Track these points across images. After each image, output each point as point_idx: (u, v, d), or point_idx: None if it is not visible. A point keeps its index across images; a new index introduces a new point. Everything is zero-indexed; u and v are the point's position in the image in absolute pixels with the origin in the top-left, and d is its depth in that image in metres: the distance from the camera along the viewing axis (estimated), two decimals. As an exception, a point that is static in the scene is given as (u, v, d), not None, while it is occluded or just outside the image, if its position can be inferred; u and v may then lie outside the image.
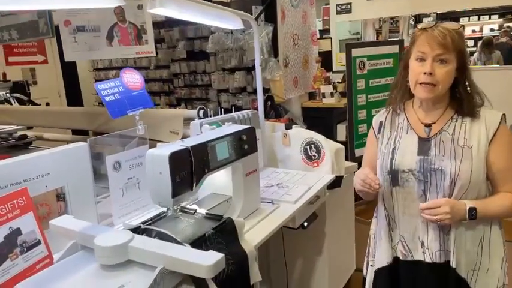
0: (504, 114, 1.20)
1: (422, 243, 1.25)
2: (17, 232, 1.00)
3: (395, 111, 1.34)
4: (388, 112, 1.37)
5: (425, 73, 1.15)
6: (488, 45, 6.15)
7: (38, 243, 1.04)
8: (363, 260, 1.50)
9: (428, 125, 1.25)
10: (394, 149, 1.29)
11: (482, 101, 1.22)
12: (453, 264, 1.20)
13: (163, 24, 4.50)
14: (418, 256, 1.27)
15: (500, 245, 1.25)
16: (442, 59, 1.15)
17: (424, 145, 1.24)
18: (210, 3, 1.66)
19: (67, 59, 2.00)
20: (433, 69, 1.15)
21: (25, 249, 1.01)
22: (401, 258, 1.31)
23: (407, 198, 1.26)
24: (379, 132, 1.37)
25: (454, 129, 1.21)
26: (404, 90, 1.29)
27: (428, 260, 1.24)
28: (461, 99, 1.21)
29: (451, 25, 1.17)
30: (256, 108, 2.08)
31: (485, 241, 1.23)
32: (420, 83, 1.18)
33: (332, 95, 3.67)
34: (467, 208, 1.15)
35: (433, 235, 1.22)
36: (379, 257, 1.36)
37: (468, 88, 1.21)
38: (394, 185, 1.28)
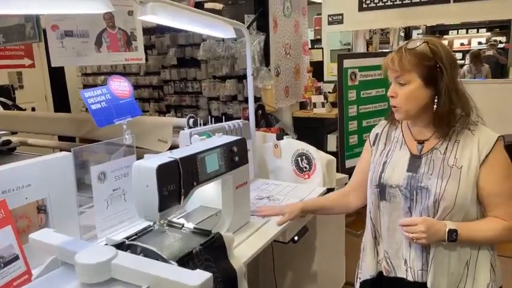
0: (501, 136, 1.17)
1: (406, 261, 1.22)
2: (-6, 247, 0.95)
3: (393, 125, 1.33)
4: (386, 124, 1.36)
5: (389, 96, 1.21)
6: (476, 57, 6.23)
7: (16, 258, 0.99)
8: (354, 274, 1.47)
9: (421, 142, 1.23)
10: (385, 162, 1.27)
11: (471, 117, 1.18)
12: (428, 284, 1.16)
13: (154, 31, 4.46)
14: (401, 273, 1.23)
15: (487, 270, 1.20)
16: (399, 82, 1.17)
17: (414, 162, 1.22)
18: (201, 11, 1.64)
19: (54, 64, 1.94)
20: (395, 91, 1.18)
21: (2, 264, 0.96)
22: (384, 273, 1.29)
23: (393, 214, 1.24)
24: (373, 144, 1.36)
25: (446, 148, 1.18)
26: None
27: (410, 278, 1.21)
28: (439, 116, 1.16)
29: (410, 44, 1.16)
30: (247, 117, 2.05)
31: (471, 264, 1.19)
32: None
33: (323, 105, 3.67)
34: (447, 229, 1.12)
35: (415, 253, 1.19)
36: (364, 269, 1.34)
37: (445, 106, 1.14)
38: (382, 199, 1.26)
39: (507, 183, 1.15)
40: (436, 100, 1.15)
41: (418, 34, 8.20)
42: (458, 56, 8.63)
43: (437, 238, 1.13)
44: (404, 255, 1.22)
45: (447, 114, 1.15)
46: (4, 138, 3.04)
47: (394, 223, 1.23)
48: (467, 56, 6.66)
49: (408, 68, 1.14)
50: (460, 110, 1.18)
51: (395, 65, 1.16)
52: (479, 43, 8.47)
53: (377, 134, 1.36)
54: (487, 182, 1.14)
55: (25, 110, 3.96)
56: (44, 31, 2.02)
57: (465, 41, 8.77)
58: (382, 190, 1.25)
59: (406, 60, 1.14)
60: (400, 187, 1.21)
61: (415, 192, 1.18)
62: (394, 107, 1.20)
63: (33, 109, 4.56)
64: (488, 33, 8.46)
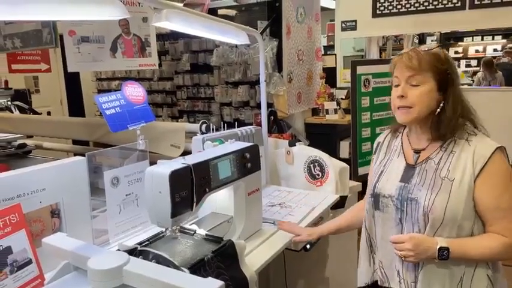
0: (500, 147, 1.11)
1: (398, 272, 1.19)
2: (8, 251, 0.96)
3: (395, 134, 1.31)
4: (388, 133, 1.34)
5: (398, 96, 1.15)
6: (488, 65, 6.14)
7: (29, 262, 1.00)
8: None
9: (417, 152, 1.21)
10: (381, 172, 1.26)
11: (474, 127, 1.16)
12: None
13: (168, 37, 4.51)
14: (394, 284, 1.21)
15: (483, 287, 1.14)
16: (413, 83, 1.13)
17: (408, 172, 1.19)
18: (215, 17, 1.64)
19: (70, 69, 1.98)
20: (405, 92, 1.14)
21: (15, 268, 0.97)
22: (379, 283, 1.27)
23: (386, 224, 1.22)
24: (375, 153, 1.36)
25: (441, 159, 1.15)
26: None
27: None
28: (440, 121, 1.14)
29: (424, 46, 1.16)
30: (259, 123, 2.04)
31: (466, 281, 1.13)
32: (397, 108, 1.17)
33: (336, 111, 3.65)
34: (437, 247, 1.07)
35: (408, 265, 1.16)
36: (359, 277, 1.34)
37: (449, 112, 1.13)
38: (376, 209, 1.25)
39: (505, 197, 1.08)
40: (442, 105, 1.14)
41: (432, 41, 8.13)
42: (473, 63, 8.52)
43: (428, 256, 1.09)
44: (397, 267, 1.19)
45: (448, 121, 1.13)
46: (20, 141, 3.09)
47: (387, 234, 1.21)
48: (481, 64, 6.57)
49: (425, 67, 1.12)
50: (462, 120, 1.16)
51: (414, 63, 1.12)
52: (495, 50, 8.35)
53: (379, 143, 1.36)
54: (484, 196, 1.09)
55: (41, 114, 4.02)
56: (61, 36, 2.06)
57: (480, 48, 8.66)
58: (376, 200, 1.24)
59: (424, 60, 1.12)
60: (392, 197, 1.19)
61: (405, 203, 1.15)
62: (404, 107, 1.15)
63: (48, 113, 4.63)
64: (504, 40, 8.34)
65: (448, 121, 1.13)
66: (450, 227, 1.10)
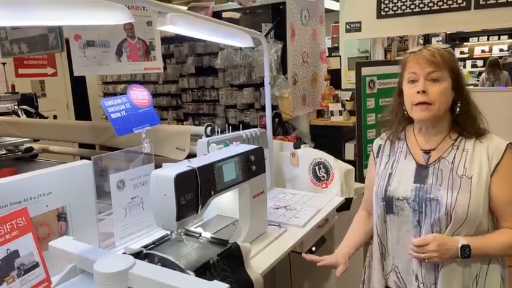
0: (511, 143, 1.13)
1: (417, 276, 1.18)
2: (15, 254, 0.97)
3: (396, 136, 1.29)
4: (388, 135, 1.32)
5: (418, 92, 1.13)
6: (494, 65, 6.09)
7: (36, 265, 1.00)
8: None
9: (427, 152, 1.19)
10: (390, 174, 1.23)
11: (484, 127, 1.17)
12: None
13: (173, 40, 4.52)
14: None
15: (497, 283, 1.16)
16: (433, 78, 1.12)
17: (421, 173, 1.18)
18: (220, 21, 1.65)
19: (76, 73, 1.99)
20: (426, 87, 1.12)
21: (22, 272, 0.97)
22: None
23: (402, 228, 1.20)
24: (377, 156, 1.33)
25: (454, 157, 1.15)
26: (402, 117, 1.26)
27: None
28: (464, 120, 1.16)
29: (439, 45, 1.17)
30: (264, 125, 2.05)
31: (481, 279, 1.14)
32: (415, 104, 1.14)
33: (341, 113, 3.64)
34: (460, 246, 1.08)
35: (427, 268, 1.15)
36: (372, 284, 1.31)
37: (467, 109, 1.16)
38: (388, 213, 1.22)
39: None
40: (459, 104, 1.16)
41: (437, 41, 8.10)
42: (479, 63, 8.48)
43: (450, 256, 1.09)
44: (415, 271, 1.18)
45: (473, 121, 1.16)
46: (27, 145, 3.12)
47: (403, 237, 1.19)
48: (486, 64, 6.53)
49: (445, 64, 1.12)
50: (471, 121, 1.17)
51: (437, 58, 1.11)
52: (501, 50, 8.31)
53: (380, 146, 1.33)
54: (499, 191, 1.10)
55: (47, 117, 4.05)
56: (67, 41, 2.08)
57: (486, 48, 8.62)
58: (388, 203, 1.21)
59: (444, 57, 1.12)
60: (408, 199, 1.17)
61: (424, 204, 1.14)
62: (424, 103, 1.13)
63: (55, 117, 4.66)
64: (510, 40, 8.30)
65: (475, 119, 1.16)
66: (471, 224, 1.10)
